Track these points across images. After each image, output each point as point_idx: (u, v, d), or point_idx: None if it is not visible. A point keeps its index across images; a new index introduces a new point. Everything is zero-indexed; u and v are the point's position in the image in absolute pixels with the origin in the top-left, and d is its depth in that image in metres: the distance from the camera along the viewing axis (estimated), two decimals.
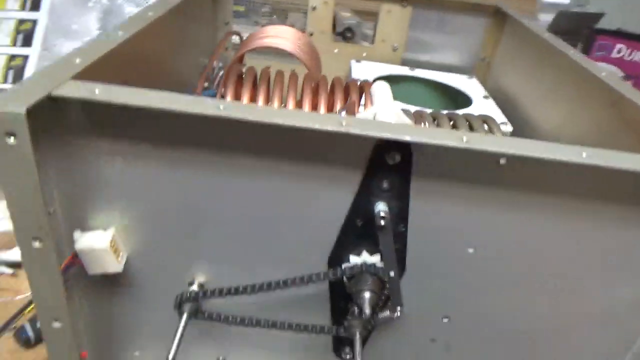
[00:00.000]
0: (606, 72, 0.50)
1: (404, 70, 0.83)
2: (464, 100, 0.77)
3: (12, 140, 0.29)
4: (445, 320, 0.41)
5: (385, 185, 0.34)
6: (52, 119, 0.32)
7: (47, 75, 0.32)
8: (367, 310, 0.35)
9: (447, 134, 0.31)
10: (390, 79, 0.80)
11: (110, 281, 0.40)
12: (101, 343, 0.44)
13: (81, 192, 0.36)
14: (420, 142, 0.31)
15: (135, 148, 0.34)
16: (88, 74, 0.35)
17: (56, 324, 0.37)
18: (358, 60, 0.84)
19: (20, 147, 0.29)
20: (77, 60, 0.35)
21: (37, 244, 0.33)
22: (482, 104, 0.73)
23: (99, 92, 0.31)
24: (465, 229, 0.36)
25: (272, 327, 0.40)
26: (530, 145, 0.32)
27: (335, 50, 0.88)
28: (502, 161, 0.33)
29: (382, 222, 0.34)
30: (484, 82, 0.88)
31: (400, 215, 0.36)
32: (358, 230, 0.37)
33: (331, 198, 0.35)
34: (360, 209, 0.36)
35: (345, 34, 1.11)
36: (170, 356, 0.35)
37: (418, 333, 0.42)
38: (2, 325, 0.56)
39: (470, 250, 0.37)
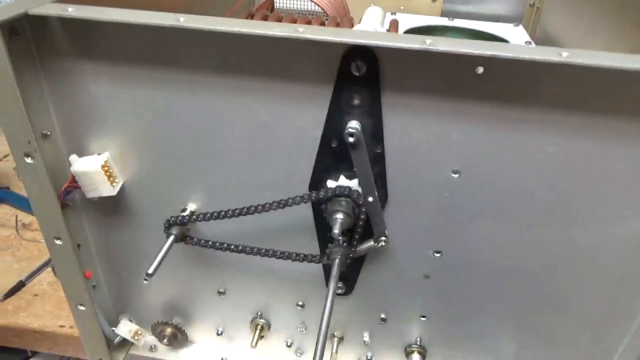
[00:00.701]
0: None
1: (442, 21, 0.79)
2: None
3: None
4: (437, 255, 0.39)
5: (355, 101, 0.33)
6: (37, 41, 0.34)
7: None
8: (336, 231, 0.34)
9: (408, 38, 0.29)
10: (427, 30, 0.77)
11: (111, 207, 0.42)
12: (112, 267, 0.47)
13: (75, 116, 0.38)
14: (378, 45, 0.29)
15: (118, 69, 0.35)
16: (78, 2, 0.36)
17: (58, 242, 0.40)
18: (393, 13, 0.81)
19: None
20: None
21: (29, 160, 0.36)
22: None
23: (72, 10, 0.32)
24: (446, 150, 0.34)
25: (255, 254, 0.40)
26: (504, 47, 0.29)
27: (372, 5, 0.85)
28: (480, 70, 0.30)
29: (351, 139, 0.33)
30: (533, 30, 0.81)
31: (374, 134, 0.34)
32: (334, 152, 0.36)
33: (305, 118, 0.35)
34: (334, 128, 0.34)
35: None
36: (150, 270, 0.37)
37: (409, 269, 0.41)
38: (44, 261, 0.61)
39: (455, 175, 0.35)
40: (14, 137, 0.35)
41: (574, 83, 0.30)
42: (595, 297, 0.39)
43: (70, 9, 0.32)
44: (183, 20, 0.31)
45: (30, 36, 0.34)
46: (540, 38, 0.77)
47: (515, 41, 0.71)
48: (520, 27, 0.76)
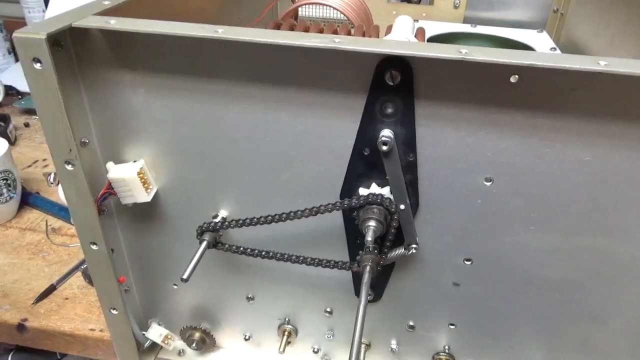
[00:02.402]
0: None
1: (465, 28, 0.79)
2: None
3: (38, 66, 0.32)
4: (468, 262, 0.39)
5: (389, 110, 0.33)
6: (79, 52, 0.35)
7: (74, 12, 0.35)
8: (369, 238, 0.34)
9: (444, 48, 0.30)
10: (451, 37, 0.77)
11: (144, 213, 0.43)
12: (143, 272, 0.48)
13: (112, 124, 0.39)
14: (414, 55, 0.29)
15: (156, 79, 0.36)
16: (116, 14, 0.37)
17: (94, 247, 0.41)
18: (416, 20, 0.81)
19: (45, 72, 0.33)
20: (106, 2, 0.38)
21: (69, 167, 0.37)
22: None
23: (114, 22, 0.33)
24: (478, 158, 0.34)
25: (285, 260, 0.40)
26: (541, 56, 0.29)
27: (394, 12, 0.86)
28: (513, 79, 0.30)
29: (385, 148, 0.33)
30: (557, 36, 0.81)
31: (407, 142, 0.34)
32: (366, 160, 0.36)
33: (338, 127, 0.35)
34: (366, 137, 0.35)
35: None
36: (185, 276, 0.37)
37: (439, 276, 0.41)
38: (74, 265, 0.63)
39: (488, 184, 0.35)
40: (56, 145, 0.36)
41: (610, 91, 0.30)
42: (634, 309, 0.38)
43: (112, 22, 0.33)
44: (221, 31, 0.32)
45: (72, 47, 0.35)
46: (566, 45, 0.76)
47: (540, 47, 0.70)
48: (544, 33, 0.76)
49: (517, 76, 0.30)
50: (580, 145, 0.32)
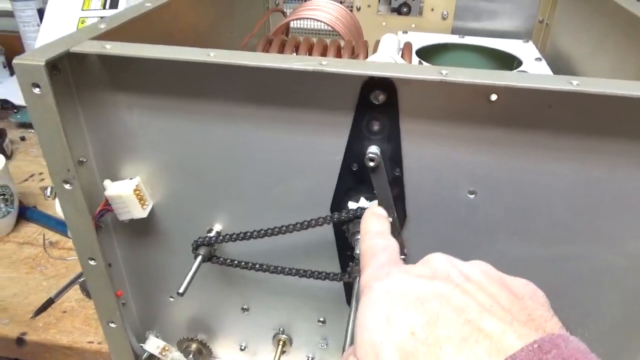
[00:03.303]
0: None
1: (453, 39, 0.81)
2: (514, 63, 0.73)
3: (37, 90, 0.34)
4: None
5: (375, 127, 0.35)
6: (76, 75, 0.37)
7: (71, 37, 0.37)
8: (358, 251, 0.35)
9: (425, 69, 0.31)
10: (438, 48, 0.79)
11: (140, 228, 0.44)
12: (140, 286, 0.49)
13: (109, 143, 0.40)
14: (397, 77, 0.31)
15: (150, 100, 0.37)
16: (111, 37, 0.39)
17: (92, 262, 0.42)
18: (404, 32, 0.83)
19: (44, 96, 0.34)
20: (102, 26, 0.40)
21: (67, 186, 0.38)
22: (533, 66, 0.69)
23: (110, 47, 0.35)
24: (462, 172, 0.35)
25: (278, 273, 0.42)
26: (517, 77, 0.30)
27: (383, 24, 0.88)
28: (493, 97, 0.32)
29: (372, 164, 0.35)
30: (543, 45, 0.83)
31: (393, 158, 0.36)
32: (355, 175, 0.37)
33: (327, 144, 0.36)
34: (354, 153, 0.36)
35: (401, 10, 1.10)
36: (181, 290, 0.39)
37: None
38: (72, 279, 0.64)
39: (471, 196, 0.36)
40: (55, 166, 0.37)
41: (585, 108, 0.31)
42: (612, 315, 0.40)
43: (108, 46, 0.35)
44: (213, 55, 0.33)
45: (69, 71, 0.36)
46: (551, 54, 0.78)
47: (526, 57, 0.72)
48: (530, 43, 0.78)
49: (496, 95, 0.32)
50: (557, 159, 0.33)
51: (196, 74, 0.35)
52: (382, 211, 0.35)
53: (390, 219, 0.37)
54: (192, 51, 0.34)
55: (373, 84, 0.33)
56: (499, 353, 0.20)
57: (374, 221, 0.33)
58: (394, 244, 0.30)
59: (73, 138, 0.38)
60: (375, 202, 0.36)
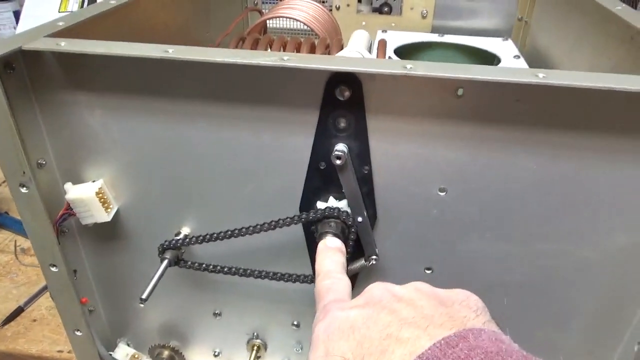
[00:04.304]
0: (622, 6, 0.45)
1: (432, 37, 0.80)
2: (494, 61, 0.73)
3: None
4: (428, 272, 0.40)
5: (342, 124, 0.34)
6: (32, 74, 0.35)
7: (25, 34, 0.35)
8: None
9: (390, 63, 0.30)
10: (417, 47, 0.78)
11: (106, 232, 0.43)
12: (108, 292, 0.47)
13: (70, 145, 0.39)
14: (359, 71, 0.30)
15: (111, 99, 0.36)
16: (71, 35, 0.37)
17: (53, 269, 0.41)
18: (384, 30, 0.82)
19: None
20: (60, 23, 0.38)
21: (23, 190, 0.36)
22: (511, 64, 0.69)
23: (65, 44, 0.33)
24: (431, 169, 0.34)
25: (248, 276, 0.40)
26: (480, 70, 0.29)
27: (363, 23, 0.87)
28: (460, 92, 0.31)
29: (339, 162, 0.34)
30: (523, 43, 0.83)
31: (361, 155, 0.35)
32: (322, 174, 0.36)
33: (293, 142, 0.35)
34: (321, 151, 0.35)
35: (382, 9, 1.09)
36: (144, 295, 0.37)
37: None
38: (42, 286, 0.62)
39: (442, 194, 0.35)
40: (9, 168, 0.35)
41: (553, 102, 0.31)
42: (592, 310, 0.39)
43: (62, 43, 0.33)
44: (171, 51, 0.32)
45: (24, 70, 0.35)
46: (530, 52, 0.78)
47: (505, 55, 0.72)
48: (510, 41, 0.77)
49: (462, 89, 0.31)
50: (526, 154, 0.32)
51: (156, 71, 0.34)
52: (334, 243, 0.35)
53: (360, 219, 0.36)
54: (149, 47, 0.32)
55: (338, 79, 0.32)
56: (410, 355, 0.21)
57: (325, 259, 0.33)
58: (340, 282, 0.31)
59: (30, 139, 0.37)
60: (330, 237, 0.35)
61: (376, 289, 0.27)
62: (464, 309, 0.25)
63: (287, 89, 0.33)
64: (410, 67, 0.30)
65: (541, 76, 0.28)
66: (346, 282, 0.31)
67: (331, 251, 0.34)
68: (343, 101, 0.33)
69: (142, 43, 0.34)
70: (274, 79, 0.33)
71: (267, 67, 0.31)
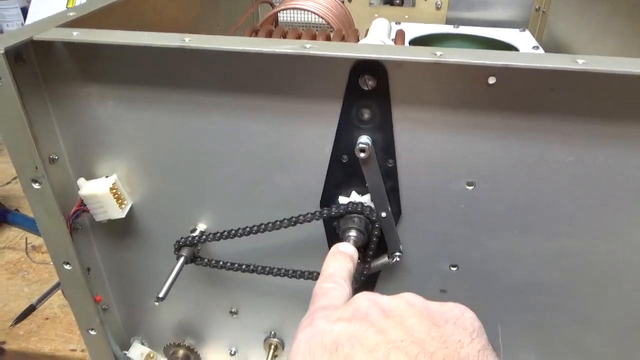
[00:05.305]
0: None
1: (447, 29, 0.78)
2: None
3: None
4: (454, 269, 0.38)
5: (366, 115, 0.32)
6: (43, 66, 0.34)
7: (35, 25, 0.34)
8: None
9: (418, 50, 0.29)
10: (432, 39, 0.76)
11: (120, 229, 0.42)
12: (123, 290, 0.46)
13: (82, 139, 0.37)
14: (387, 59, 0.28)
15: (125, 91, 0.35)
16: (82, 26, 0.36)
17: (67, 267, 0.40)
18: (397, 23, 0.80)
19: (5, 88, 0.31)
20: (71, 14, 0.37)
21: (36, 186, 0.35)
22: None
23: (77, 34, 0.32)
24: (460, 162, 0.33)
25: (266, 273, 0.39)
26: (516, 56, 0.28)
27: (376, 15, 0.85)
28: (491, 80, 0.30)
29: (363, 155, 0.32)
30: (540, 34, 0.81)
31: (386, 149, 0.33)
32: (345, 168, 0.35)
33: (314, 134, 0.34)
34: (344, 144, 0.34)
35: (393, 1, 1.07)
36: (161, 294, 0.36)
37: (425, 284, 0.40)
38: (54, 284, 0.61)
39: (470, 188, 0.34)
40: (21, 164, 0.34)
41: (590, 90, 0.29)
42: (620, 309, 0.37)
43: (75, 33, 0.32)
44: (188, 40, 0.31)
45: (35, 61, 0.33)
46: (548, 42, 0.76)
47: (523, 46, 0.70)
48: (527, 32, 0.75)
49: (494, 77, 0.29)
50: (561, 145, 0.31)
51: (172, 61, 0.33)
52: (347, 248, 0.33)
53: (384, 215, 0.35)
54: (166, 36, 0.31)
55: (362, 68, 0.30)
56: None
57: (333, 262, 0.32)
58: (338, 289, 0.29)
59: (42, 134, 0.35)
60: (346, 242, 0.34)
61: (363, 300, 0.25)
62: (458, 331, 0.23)
63: (308, 79, 0.32)
64: (441, 55, 0.28)
65: (581, 62, 0.27)
66: (345, 291, 0.29)
67: (341, 255, 0.32)
68: (367, 91, 0.31)
69: (155, 32, 0.33)
70: (294, 68, 0.31)
71: (288, 56, 0.30)
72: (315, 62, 0.31)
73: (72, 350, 0.53)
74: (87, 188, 0.38)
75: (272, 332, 0.47)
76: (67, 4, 1.04)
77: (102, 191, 0.38)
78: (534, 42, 0.71)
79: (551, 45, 0.75)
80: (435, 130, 0.32)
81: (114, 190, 0.39)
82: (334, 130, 0.33)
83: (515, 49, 0.71)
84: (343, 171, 0.35)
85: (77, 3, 1.03)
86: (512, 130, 0.31)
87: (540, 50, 0.67)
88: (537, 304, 0.38)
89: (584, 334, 0.40)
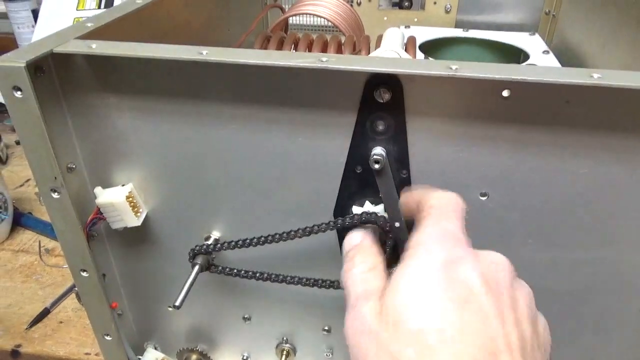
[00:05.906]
0: None
1: (456, 32, 0.78)
2: (521, 57, 0.71)
3: (19, 94, 0.32)
4: None
5: (380, 127, 0.33)
6: (62, 77, 0.35)
7: (55, 36, 0.35)
8: None
9: (433, 64, 0.29)
10: (442, 43, 0.76)
11: (135, 237, 0.42)
12: (137, 296, 0.47)
13: (99, 148, 0.38)
14: (402, 73, 0.29)
15: (142, 102, 0.35)
16: (99, 36, 0.37)
17: (84, 274, 0.40)
18: (407, 26, 0.80)
19: (26, 100, 0.32)
20: (89, 24, 0.38)
21: (55, 195, 0.36)
22: (540, 59, 0.67)
23: (96, 46, 0.33)
24: (473, 173, 0.33)
25: (280, 281, 0.39)
26: (531, 71, 0.28)
27: (385, 18, 0.85)
28: (506, 93, 0.30)
29: (377, 166, 0.32)
30: (550, 38, 0.80)
31: (400, 159, 0.34)
32: (359, 178, 0.35)
33: (329, 145, 0.34)
34: (358, 155, 0.34)
35: (402, 4, 1.07)
36: (177, 302, 0.37)
37: None
38: (68, 288, 0.62)
39: (483, 198, 0.34)
40: (41, 174, 0.35)
41: (604, 103, 0.29)
42: (634, 318, 0.37)
43: (94, 46, 0.33)
44: (206, 53, 0.31)
45: (55, 72, 0.34)
46: (558, 47, 0.76)
47: (533, 50, 0.70)
48: (537, 35, 0.75)
49: (508, 90, 0.30)
50: (576, 157, 0.31)
51: (189, 73, 0.33)
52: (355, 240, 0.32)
53: (398, 224, 0.35)
54: (183, 49, 0.32)
55: (377, 81, 0.31)
56: None
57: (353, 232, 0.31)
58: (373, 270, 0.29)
59: (60, 144, 0.36)
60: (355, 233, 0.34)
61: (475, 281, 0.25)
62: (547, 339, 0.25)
63: (323, 91, 0.32)
64: (456, 68, 0.28)
65: (596, 77, 0.27)
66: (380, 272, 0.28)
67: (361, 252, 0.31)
68: (382, 103, 0.31)
69: (172, 45, 0.33)
70: (310, 81, 0.32)
71: (306, 70, 0.30)
72: (331, 75, 0.31)
73: (87, 354, 0.54)
74: (104, 197, 0.39)
75: (285, 338, 0.47)
76: (77, 5, 1.05)
77: (119, 200, 0.38)
78: (544, 46, 0.71)
79: (561, 49, 0.74)
80: (449, 141, 0.32)
81: (130, 199, 0.39)
82: (348, 141, 0.34)
83: (525, 53, 0.71)
84: (357, 181, 0.35)
85: (87, 4, 1.04)
86: (526, 142, 0.31)
87: (551, 55, 0.67)
88: (552, 313, 0.38)
89: (599, 344, 0.40)
